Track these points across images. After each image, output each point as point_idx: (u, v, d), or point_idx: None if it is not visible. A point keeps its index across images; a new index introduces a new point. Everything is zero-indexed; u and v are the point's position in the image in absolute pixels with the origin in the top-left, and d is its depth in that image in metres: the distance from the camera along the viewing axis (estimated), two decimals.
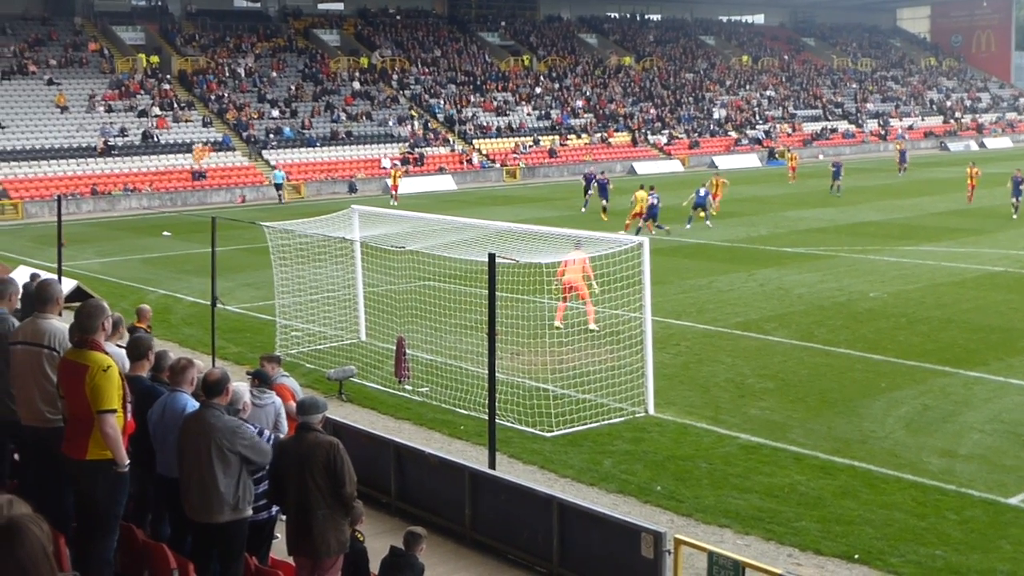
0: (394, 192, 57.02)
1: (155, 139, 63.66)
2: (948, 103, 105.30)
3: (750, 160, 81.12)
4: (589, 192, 51.23)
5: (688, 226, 42.23)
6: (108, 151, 61.05)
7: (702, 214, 43.40)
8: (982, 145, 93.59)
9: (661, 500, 14.36)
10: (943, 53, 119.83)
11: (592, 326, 23.48)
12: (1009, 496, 14.26)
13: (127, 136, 63.05)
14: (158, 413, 9.66)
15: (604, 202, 47.29)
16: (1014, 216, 43.99)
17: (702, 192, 43.69)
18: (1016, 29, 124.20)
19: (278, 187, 59.56)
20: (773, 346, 23.06)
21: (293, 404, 11.60)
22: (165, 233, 44.67)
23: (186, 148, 63.55)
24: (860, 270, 32.08)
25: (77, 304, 9.92)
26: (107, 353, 8.71)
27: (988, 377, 20.17)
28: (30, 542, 4.03)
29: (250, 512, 9.29)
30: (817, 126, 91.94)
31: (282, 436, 10.72)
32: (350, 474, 9.46)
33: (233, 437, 9.03)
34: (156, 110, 66.47)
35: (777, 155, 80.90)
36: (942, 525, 13.29)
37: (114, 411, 8.44)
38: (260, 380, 11.49)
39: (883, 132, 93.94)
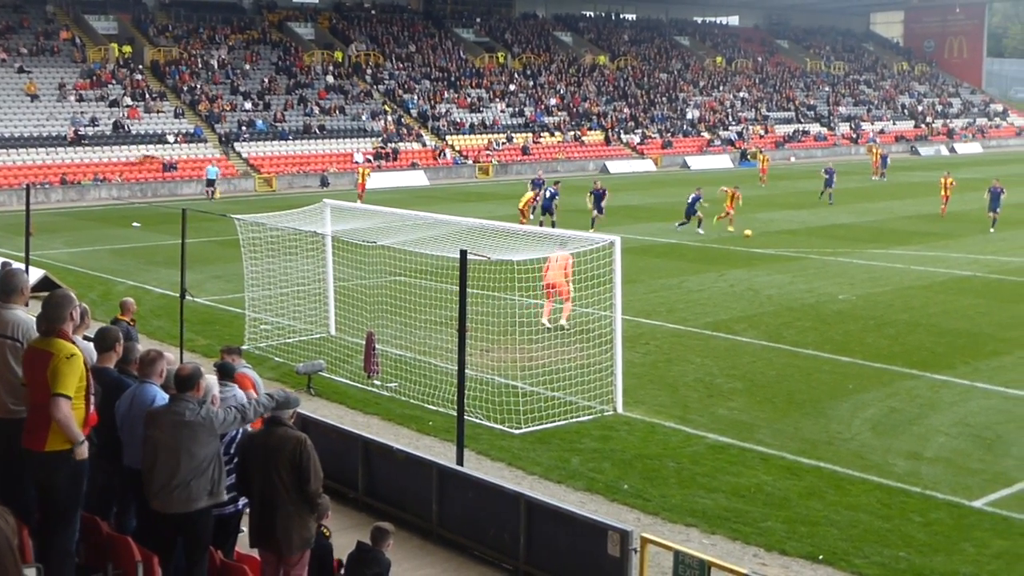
0: (361, 192, 52.83)
1: (126, 129, 63.27)
2: (919, 108, 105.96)
3: (722, 161, 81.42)
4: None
5: (677, 227, 41.39)
6: (78, 140, 60.66)
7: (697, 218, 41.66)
8: (952, 150, 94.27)
9: (628, 499, 14.39)
10: (915, 58, 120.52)
11: (563, 322, 23.50)
12: (973, 499, 14.36)
13: (98, 126, 62.63)
14: (126, 405, 9.61)
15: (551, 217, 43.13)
16: (992, 230, 41.47)
17: (691, 197, 41.79)
18: (988, 36, 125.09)
19: (210, 183, 57.49)
20: (742, 346, 23.15)
21: (254, 393, 11.58)
22: (135, 224, 44.40)
23: (158, 139, 63.20)
24: (829, 272, 32.24)
25: (45, 294, 9.83)
26: (73, 343, 8.65)
27: (954, 380, 20.32)
28: None
29: (213, 503, 9.22)
30: (789, 128, 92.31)
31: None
32: (316, 471, 9.43)
33: (207, 426, 8.99)
34: (128, 100, 66.06)
35: (749, 156, 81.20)
36: (906, 527, 13.37)
37: (68, 397, 8.37)
38: (222, 373, 11.46)
39: (855, 136, 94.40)
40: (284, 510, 9.38)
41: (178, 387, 9.28)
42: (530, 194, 43.40)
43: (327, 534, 10.17)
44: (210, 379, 10.16)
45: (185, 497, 8.97)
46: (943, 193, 47.03)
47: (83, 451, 8.56)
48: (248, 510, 9.88)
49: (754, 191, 57.13)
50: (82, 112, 63.16)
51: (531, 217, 42.39)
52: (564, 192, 46.07)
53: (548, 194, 43.03)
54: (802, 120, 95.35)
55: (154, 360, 9.81)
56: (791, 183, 60.38)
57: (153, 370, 9.74)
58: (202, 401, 9.31)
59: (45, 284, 24.14)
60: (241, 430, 9.91)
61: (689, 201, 41.61)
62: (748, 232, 39.28)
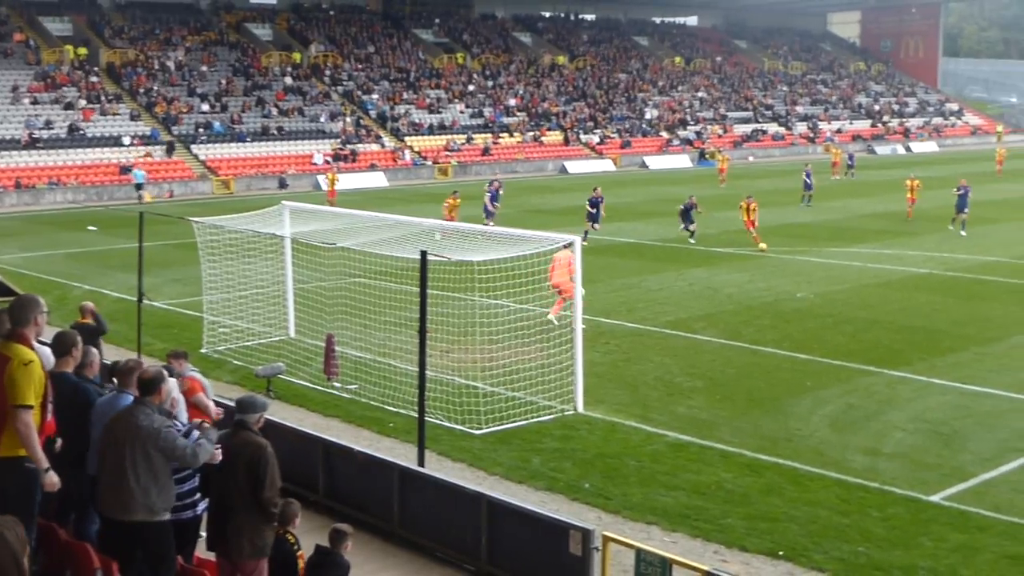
0: (331, 199, 50.03)
1: (82, 132, 62.73)
2: (876, 107, 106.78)
3: (681, 161, 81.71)
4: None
5: (683, 230, 39.41)
6: (33, 144, 60.05)
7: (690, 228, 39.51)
8: (908, 149, 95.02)
9: (589, 498, 14.41)
10: (872, 58, 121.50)
11: (551, 317, 23.67)
12: (931, 494, 14.49)
13: (53, 129, 62.04)
14: (101, 414, 9.50)
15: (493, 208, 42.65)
16: (963, 233, 40.24)
17: (684, 205, 39.80)
18: (944, 35, 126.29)
19: (138, 187, 56.31)
20: (702, 345, 23.25)
21: (203, 395, 11.50)
22: (91, 228, 44.02)
23: (114, 141, 62.71)
24: (788, 271, 32.44)
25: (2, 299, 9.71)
26: (33, 348, 8.53)
27: (912, 377, 20.49)
28: (3, 546, 4.13)
29: (167, 517, 9.07)
30: (748, 128, 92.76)
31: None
32: (272, 479, 9.34)
33: (157, 438, 8.85)
34: (83, 102, 65.50)
35: (707, 156, 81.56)
36: (865, 522, 13.47)
37: (29, 407, 8.24)
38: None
39: (812, 135, 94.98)
40: (237, 515, 9.32)
41: (140, 390, 9.18)
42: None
43: (292, 540, 10.09)
44: (171, 382, 10.08)
45: (134, 506, 8.83)
46: (909, 195, 45.80)
47: (52, 480, 8.44)
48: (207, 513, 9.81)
49: (713, 190, 57.40)
50: (36, 115, 62.55)
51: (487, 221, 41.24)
52: (525, 192, 46.00)
53: (489, 195, 42.50)
54: (760, 120, 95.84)
55: (132, 369, 9.70)
56: (749, 182, 60.54)
57: (130, 380, 9.61)
58: (165, 411, 9.21)
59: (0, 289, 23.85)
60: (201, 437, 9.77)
61: (683, 209, 39.65)
62: (764, 246, 36.49)
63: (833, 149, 74.82)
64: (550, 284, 23.19)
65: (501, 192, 43.74)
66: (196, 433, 9.38)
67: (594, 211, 39.66)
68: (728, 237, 39.23)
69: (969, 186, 42.05)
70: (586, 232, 37.91)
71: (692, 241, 38.74)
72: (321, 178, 62.90)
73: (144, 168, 59.38)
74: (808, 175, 51.62)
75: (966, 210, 41.20)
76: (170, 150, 63.59)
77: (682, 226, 39.47)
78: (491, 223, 39.44)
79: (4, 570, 4.14)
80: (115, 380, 9.97)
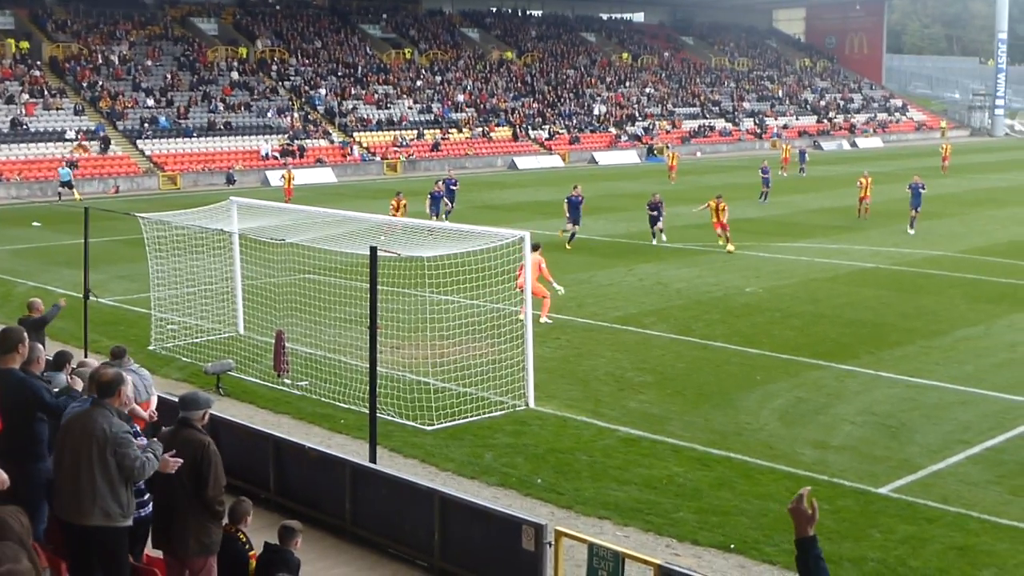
0: (288, 198, 48.13)
1: (25, 127, 61.89)
2: (822, 103, 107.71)
3: (630, 156, 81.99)
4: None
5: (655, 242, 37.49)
6: None
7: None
8: (854, 145, 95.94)
9: (542, 493, 14.43)
10: (817, 54, 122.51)
11: (544, 320, 24.29)
12: (879, 486, 14.63)
13: None
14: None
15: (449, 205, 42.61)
16: (911, 231, 39.55)
17: (651, 203, 38.20)
18: (888, 32, 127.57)
19: (64, 185, 55.08)
20: (652, 340, 23.35)
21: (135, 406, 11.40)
22: (35, 223, 43.46)
23: (58, 136, 61.92)
24: (736, 266, 32.65)
25: None
26: None
27: (859, 370, 20.69)
28: (10, 533, 4.63)
29: (129, 523, 8.95)
30: (695, 124, 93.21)
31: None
32: (216, 477, 9.26)
33: (117, 445, 8.71)
34: (25, 96, 64.62)
35: (656, 152, 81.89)
36: None
37: None
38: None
39: (759, 131, 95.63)
40: (182, 513, 9.25)
41: (98, 391, 9.01)
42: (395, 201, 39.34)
43: (243, 539, 10.00)
44: (130, 380, 9.94)
45: (90, 509, 8.71)
46: (862, 194, 44.19)
47: (1, 478, 8.35)
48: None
49: (662, 185, 57.54)
50: None
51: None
52: (475, 188, 45.92)
53: (446, 188, 42.58)
54: (707, 116, 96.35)
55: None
56: (697, 177, 61.00)
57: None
58: (124, 415, 9.08)
59: None
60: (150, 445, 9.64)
61: (652, 210, 38.03)
62: (732, 248, 35.38)
63: (783, 145, 74.80)
64: (517, 286, 23.16)
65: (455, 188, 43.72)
66: (144, 440, 9.27)
67: (574, 212, 37.64)
68: (676, 233, 39.35)
69: (923, 182, 41.53)
70: (572, 234, 36.95)
71: (655, 243, 37.30)
72: (271, 173, 62.66)
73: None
74: (766, 171, 51.70)
75: (919, 208, 40.49)
76: (105, 146, 62.57)
77: (657, 226, 37.77)
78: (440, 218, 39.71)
79: (15, 551, 4.34)
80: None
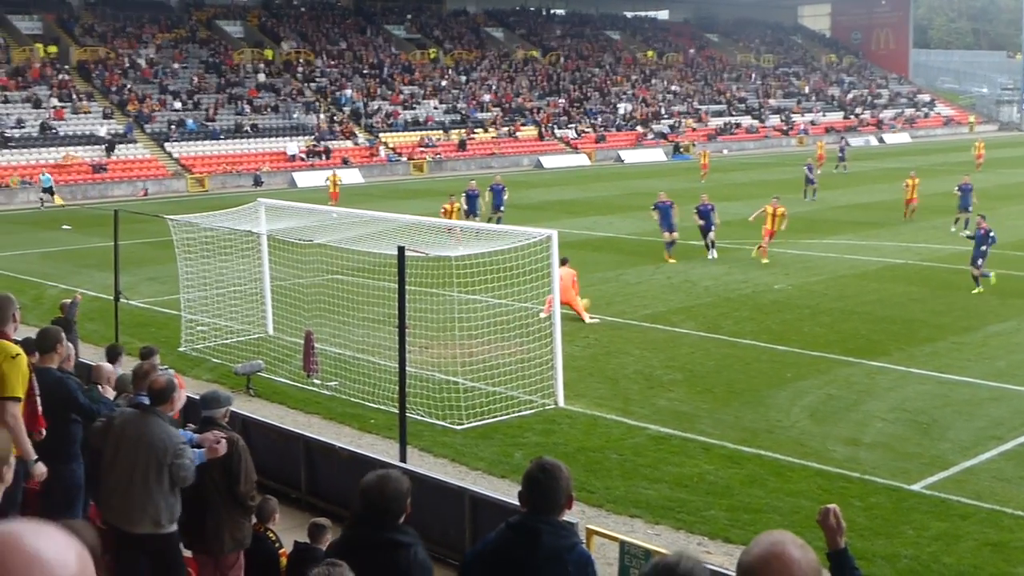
0: (335, 201, 48.17)
1: (54, 131, 62.31)
2: (848, 99, 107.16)
3: (656, 155, 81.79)
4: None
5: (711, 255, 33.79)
6: (4, 142, 59.59)
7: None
8: (881, 140, 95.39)
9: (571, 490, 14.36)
10: (843, 50, 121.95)
11: (590, 320, 24.69)
12: (912, 483, 14.55)
13: (24, 127, 61.60)
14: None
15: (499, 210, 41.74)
16: (965, 233, 34.45)
17: (701, 208, 34.31)
18: (914, 27, 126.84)
19: (45, 191, 53.90)
20: (681, 338, 23.29)
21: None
22: (65, 226, 43.75)
23: (86, 140, 62.32)
24: (764, 263, 32.48)
25: None
26: (16, 343, 8.53)
27: (890, 367, 20.57)
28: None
29: (174, 528, 8.99)
30: (721, 121, 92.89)
31: None
32: (247, 472, 9.31)
33: (175, 456, 8.72)
34: (55, 101, 65.06)
35: (682, 150, 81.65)
36: (847, 512, 13.30)
37: (17, 399, 8.24)
38: None
39: (786, 128, 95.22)
40: (215, 510, 9.28)
41: (152, 399, 9.07)
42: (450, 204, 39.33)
43: (273, 538, 10.03)
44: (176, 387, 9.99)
45: (141, 517, 8.74)
46: (909, 196, 41.78)
47: (40, 470, 8.40)
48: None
49: (688, 183, 57.36)
50: (7, 114, 62.10)
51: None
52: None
53: (494, 193, 42.44)
54: (733, 113, 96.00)
55: (147, 373, 9.67)
56: (724, 175, 60.79)
57: (145, 384, 9.57)
58: (176, 423, 9.15)
59: None
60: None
61: (700, 217, 34.21)
62: (766, 260, 32.64)
63: (819, 143, 72.50)
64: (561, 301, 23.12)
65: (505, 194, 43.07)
66: (192, 436, 9.34)
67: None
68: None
69: (971, 183, 39.97)
70: (671, 243, 33.64)
71: (711, 255, 33.65)
72: (298, 175, 63.17)
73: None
74: (810, 169, 50.53)
75: (970, 208, 38.36)
76: (110, 149, 62.25)
77: (709, 237, 34.04)
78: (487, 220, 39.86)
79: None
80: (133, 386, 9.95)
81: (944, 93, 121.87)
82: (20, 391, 8.31)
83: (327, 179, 53.17)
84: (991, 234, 28.15)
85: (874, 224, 41.17)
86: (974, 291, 27.48)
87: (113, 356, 13.12)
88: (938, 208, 42.02)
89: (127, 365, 13.23)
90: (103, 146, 62.21)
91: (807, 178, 50.47)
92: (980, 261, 27.87)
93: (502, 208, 42.05)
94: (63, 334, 10.15)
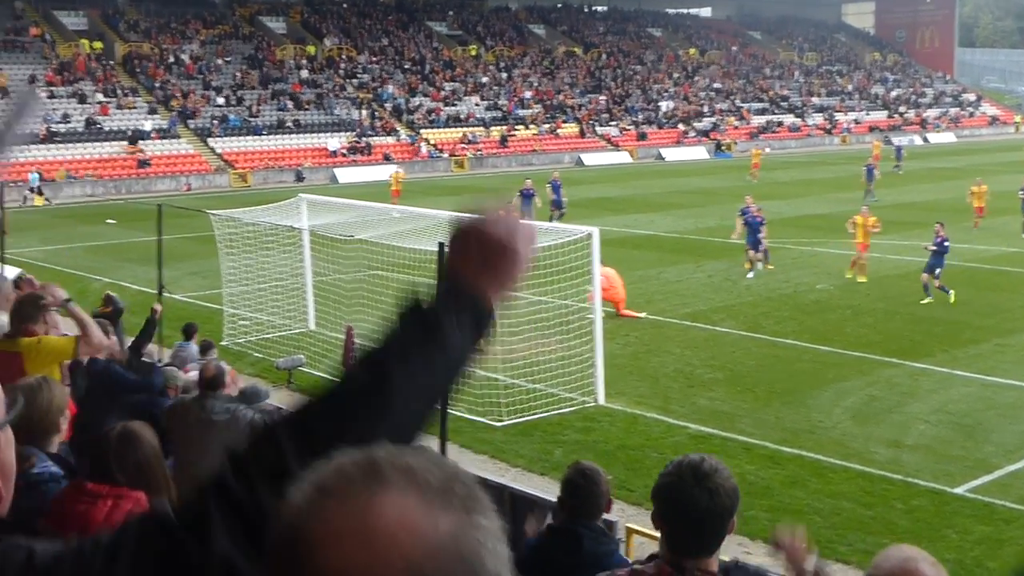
0: (396, 199, 46.03)
1: (99, 126, 62.86)
2: (892, 97, 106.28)
3: (697, 153, 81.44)
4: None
5: (750, 275, 30.13)
6: (50, 137, 60.20)
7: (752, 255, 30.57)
8: (925, 140, 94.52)
9: (612, 489, 14.32)
10: (887, 48, 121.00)
11: (639, 315, 24.88)
12: (955, 486, 14.43)
13: (70, 122, 62.19)
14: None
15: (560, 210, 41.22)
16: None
17: (749, 215, 31.25)
18: (959, 25, 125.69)
19: (32, 190, 53.10)
20: (721, 337, 23.20)
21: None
22: (109, 221, 44.15)
23: (132, 135, 62.83)
24: (806, 262, 32.34)
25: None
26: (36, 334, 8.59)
27: (933, 368, 20.41)
28: (147, 443, 5.34)
29: None
30: (763, 119, 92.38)
31: None
32: None
33: (234, 432, 8.86)
34: (99, 96, 65.64)
35: (724, 148, 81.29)
36: (889, 514, 13.42)
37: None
38: None
39: (829, 126, 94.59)
40: None
41: (208, 388, 9.35)
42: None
43: None
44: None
45: None
46: (977, 205, 39.52)
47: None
48: None
49: (730, 182, 57.18)
50: (54, 109, 62.67)
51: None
52: (541, 185, 45.77)
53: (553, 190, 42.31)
54: (776, 111, 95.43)
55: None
56: (766, 173, 60.40)
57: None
58: (233, 399, 9.31)
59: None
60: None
61: (746, 226, 31.42)
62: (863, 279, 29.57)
63: (875, 142, 71.07)
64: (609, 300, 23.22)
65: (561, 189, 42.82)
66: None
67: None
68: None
69: None
70: (765, 252, 31.06)
71: (751, 275, 30.07)
72: (339, 171, 63.54)
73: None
74: (871, 171, 48.95)
75: None
76: (133, 141, 62.36)
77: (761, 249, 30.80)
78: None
79: (150, 464, 5.27)
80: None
81: (989, 92, 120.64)
82: (56, 373, 8.36)
83: (390, 176, 52.81)
84: (945, 243, 27.07)
85: (916, 224, 40.69)
86: (923, 300, 26.35)
87: (206, 348, 13.49)
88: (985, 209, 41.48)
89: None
90: (146, 140, 62.71)
91: (869, 177, 48.66)
92: (938, 271, 26.58)
93: (563, 208, 41.40)
94: (109, 325, 10.28)
